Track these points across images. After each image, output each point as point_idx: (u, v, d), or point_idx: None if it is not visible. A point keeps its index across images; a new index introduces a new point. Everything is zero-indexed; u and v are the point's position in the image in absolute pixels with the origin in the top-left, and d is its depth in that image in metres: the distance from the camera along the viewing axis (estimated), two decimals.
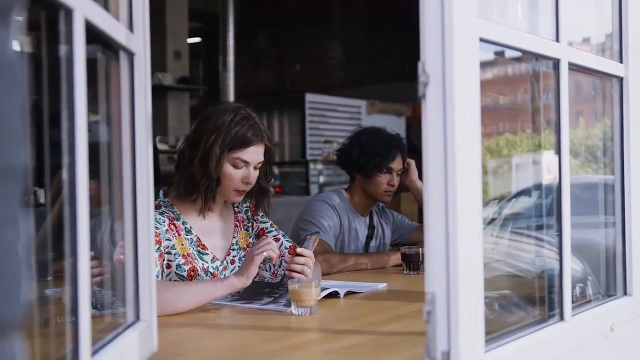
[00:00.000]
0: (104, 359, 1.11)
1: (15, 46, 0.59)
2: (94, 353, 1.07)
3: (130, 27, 1.35)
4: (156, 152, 4.72)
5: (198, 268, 2.18)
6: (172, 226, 2.17)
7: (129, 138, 1.36)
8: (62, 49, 1.02)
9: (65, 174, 1.01)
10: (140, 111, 1.36)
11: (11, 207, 0.56)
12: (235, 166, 2.18)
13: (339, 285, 2.18)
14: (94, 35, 1.11)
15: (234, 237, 2.34)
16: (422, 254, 2.65)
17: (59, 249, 1.09)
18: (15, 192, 0.57)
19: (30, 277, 0.60)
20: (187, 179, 2.19)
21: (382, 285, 2.35)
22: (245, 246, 2.36)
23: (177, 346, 1.58)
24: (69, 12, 0.99)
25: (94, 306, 1.23)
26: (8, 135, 0.56)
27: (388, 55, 9.23)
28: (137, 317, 1.37)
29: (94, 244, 1.08)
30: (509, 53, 1.53)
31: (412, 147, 5.09)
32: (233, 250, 2.33)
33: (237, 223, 2.37)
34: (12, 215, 0.56)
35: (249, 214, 2.41)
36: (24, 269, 0.58)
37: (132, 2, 1.35)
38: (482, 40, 1.25)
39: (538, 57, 1.55)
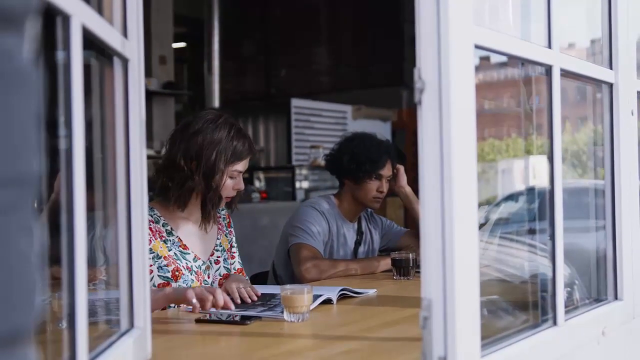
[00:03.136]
0: None
1: (30, 54, 0.59)
2: None
3: (125, 33, 1.34)
4: None
5: (182, 267, 2.24)
6: (148, 230, 2.19)
7: (123, 144, 1.35)
8: (59, 55, 1.01)
9: (62, 180, 1.00)
10: (134, 117, 1.36)
11: (25, 215, 0.56)
12: (231, 177, 2.29)
13: (330, 290, 2.18)
14: (89, 41, 1.10)
15: (218, 239, 2.42)
16: (412, 259, 2.66)
17: (49, 256, 1.09)
18: (28, 200, 0.57)
19: (42, 285, 0.60)
20: (187, 193, 2.25)
21: (372, 291, 2.35)
22: (227, 249, 2.45)
23: (170, 353, 1.57)
24: (66, 18, 0.99)
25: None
26: (22, 143, 0.56)
27: (374, 61, 9.26)
28: (132, 325, 1.36)
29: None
30: (495, 58, 1.54)
31: (398, 152, 5.09)
32: (217, 250, 2.41)
33: (220, 226, 2.46)
34: (26, 223, 0.56)
35: (226, 222, 2.50)
36: (38, 277, 0.58)
37: (127, 8, 1.35)
38: (477, 46, 1.25)
39: (531, 63, 1.57)
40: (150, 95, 7.36)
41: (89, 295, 1.18)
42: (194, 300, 1.90)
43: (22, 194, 0.56)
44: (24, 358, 0.56)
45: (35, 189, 0.58)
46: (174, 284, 2.20)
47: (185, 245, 2.29)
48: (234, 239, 2.52)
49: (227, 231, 2.49)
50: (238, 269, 2.47)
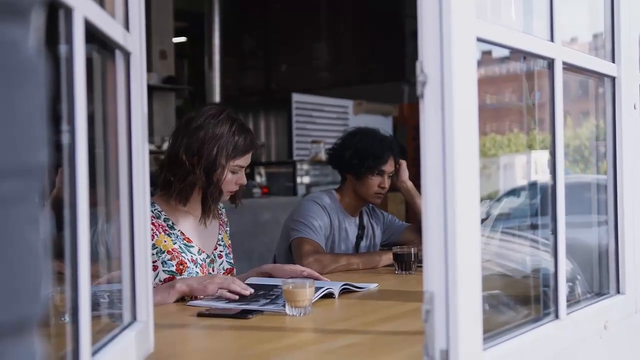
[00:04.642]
0: (104, 359, 1.10)
1: (35, 44, 0.59)
2: (93, 353, 1.07)
3: (127, 26, 1.34)
4: None
5: (186, 260, 2.26)
6: (151, 225, 2.20)
7: (125, 138, 1.35)
8: (62, 48, 1.01)
9: (65, 175, 1.00)
10: (136, 111, 1.36)
11: (32, 206, 0.56)
12: (233, 172, 2.31)
13: (332, 284, 2.18)
14: (91, 34, 1.10)
15: (219, 234, 2.45)
16: (414, 254, 2.66)
17: (52, 249, 1.09)
18: (35, 191, 0.57)
19: (49, 275, 0.60)
20: (189, 187, 2.27)
21: (374, 286, 2.35)
22: (227, 244, 2.48)
23: (173, 347, 1.58)
24: (68, 11, 0.99)
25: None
26: (29, 134, 0.56)
27: (375, 56, 9.26)
28: (134, 318, 1.36)
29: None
30: (497, 52, 1.54)
31: (400, 148, 5.09)
32: (220, 245, 2.44)
33: (221, 222, 2.49)
34: (32, 214, 0.57)
35: (225, 220, 2.53)
36: (44, 267, 0.58)
37: (129, 1, 1.35)
38: (479, 40, 1.25)
39: (533, 56, 1.56)
40: (150, 90, 7.35)
41: (92, 288, 1.19)
42: (219, 292, 2.06)
43: (28, 185, 0.56)
44: (29, 348, 0.56)
45: (42, 180, 0.59)
46: (178, 278, 2.20)
47: (188, 238, 2.32)
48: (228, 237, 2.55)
49: (226, 228, 2.52)
50: (227, 268, 2.47)
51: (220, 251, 2.43)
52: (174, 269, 2.22)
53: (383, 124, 7.73)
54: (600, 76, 1.82)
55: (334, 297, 2.11)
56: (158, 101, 7.68)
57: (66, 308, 1.05)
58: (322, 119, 8.28)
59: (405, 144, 7.60)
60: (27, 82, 0.57)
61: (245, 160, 2.33)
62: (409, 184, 3.13)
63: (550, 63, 1.52)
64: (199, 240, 2.35)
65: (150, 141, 7.16)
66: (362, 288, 2.28)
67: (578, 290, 1.84)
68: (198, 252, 2.32)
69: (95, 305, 1.39)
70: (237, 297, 2.03)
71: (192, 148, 2.25)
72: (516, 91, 1.95)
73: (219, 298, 2.06)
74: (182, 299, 2.09)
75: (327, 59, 9.88)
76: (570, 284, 1.81)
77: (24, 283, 0.56)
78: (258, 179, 7.50)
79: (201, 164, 2.24)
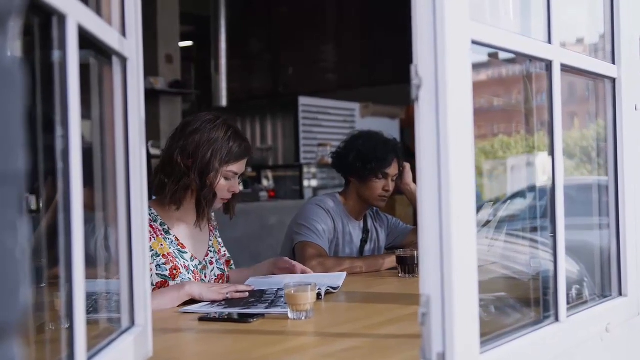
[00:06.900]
0: None
1: (13, 52, 0.59)
2: (90, 358, 1.07)
3: (123, 32, 1.34)
4: (148, 157, 4.81)
5: (180, 266, 2.28)
6: (148, 228, 2.21)
7: (122, 144, 1.35)
8: (55, 54, 1.01)
9: (59, 180, 1.00)
10: (133, 117, 1.36)
11: (10, 212, 0.57)
12: (226, 178, 2.32)
13: (328, 279, 2.22)
14: (86, 40, 1.11)
15: (210, 240, 2.47)
16: (417, 257, 2.65)
17: (52, 256, 1.09)
18: (14, 197, 0.57)
19: (28, 281, 0.60)
20: (182, 190, 2.29)
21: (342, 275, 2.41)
22: (217, 250, 2.50)
23: (171, 351, 1.58)
24: (62, 18, 0.99)
25: (88, 311, 1.22)
26: (7, 140, 0.56)
27: (381, 58, 9.24)
28: (132, 322, 1.36)
29: (87, 251, 1.07)
30: (502, 55, 1.54)
31: (406, 150, 5.09)
32: (211, 251, 2.46)
33: (211, 228, 2.50)
34: (11, 220, 0.57)
35: (215, 224, 2.56)
36: (23, 273, 0.58)
37: (125, 7, 1.35)
38: (474, 42, 1.25)
39: (530, 58, 1.56)
40: (157, 94, 7.36)
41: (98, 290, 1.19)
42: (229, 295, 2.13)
43: (6, 191, 0.57)
44: (9, 352, 0.56)
45: (22, 186, 0.59)
46: (171, 283, 2.22)
47: (182, 244, 2.33)
48: (220, 240, 2.56)
49: (216, 233, 2.54)
50: (218, 275, 2.47)
51: (211, 258, 2.45)
52: (167, 273, 2.24)
53: (390, 127, 7.73)
54: (600, 78, 1.81)
55: (321, 299, 2.12)
56: (164, 105, 7.68)
57: (62, 313, 1.06)
58: (329, 121, 8.28)
59: (413, 146, 7.59)
60: (5, 90, 0.57)
61: (239, 167, 2.34)
62: (413, 186, 3.12)
63: (549, 65, 1.52)
64: (192, 247, 2.37)
65: (157, 146, 7.16)
66: (336, 288, 2.31)
67: (586, 293, 1.83)
68: (191, 258, 2.34)
69: (97, 309, 1.40)
70: (247, 294, 2.14)
71: (187, 150, 2.27)
72: (522, 92, 1.95)
73: (212, 304, 2.07)
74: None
75: (333, 61, 9.87)
76: (578, 286, 1.80)
77: (2, 289, 0.56)
78: (265, 182, 7.50)
79: (195, 167, 2.26)
